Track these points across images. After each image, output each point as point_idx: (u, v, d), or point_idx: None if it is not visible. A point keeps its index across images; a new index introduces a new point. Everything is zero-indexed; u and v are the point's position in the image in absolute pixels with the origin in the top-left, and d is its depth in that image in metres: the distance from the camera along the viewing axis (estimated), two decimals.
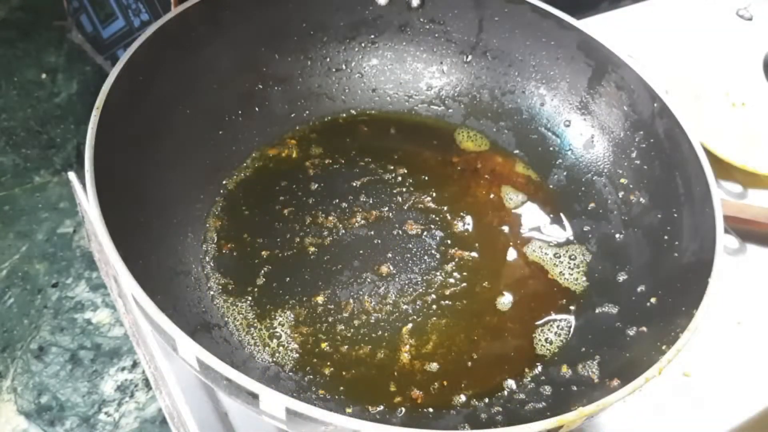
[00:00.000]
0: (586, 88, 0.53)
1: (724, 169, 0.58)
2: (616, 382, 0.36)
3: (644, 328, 0.41)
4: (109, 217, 0.36)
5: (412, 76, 0.58)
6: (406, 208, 0.51)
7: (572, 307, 0.46)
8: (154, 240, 0.43)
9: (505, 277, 0.48)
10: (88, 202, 0.36)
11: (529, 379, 0.42)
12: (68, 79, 0.99)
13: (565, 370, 0.42)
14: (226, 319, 0.43)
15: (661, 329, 0.38)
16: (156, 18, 0.70)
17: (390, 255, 0.48)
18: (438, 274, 0.47)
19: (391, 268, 0.47)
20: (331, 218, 0.49)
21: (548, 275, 0.48)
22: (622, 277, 0.46)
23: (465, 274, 0.47)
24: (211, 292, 0.45)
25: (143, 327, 0.47)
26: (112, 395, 0.72)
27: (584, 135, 0.54)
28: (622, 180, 0.51)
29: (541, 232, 0.51)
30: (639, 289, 0.44)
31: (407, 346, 0.43)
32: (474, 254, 0.48)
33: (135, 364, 0.75)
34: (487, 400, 0.41)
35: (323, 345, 0.43)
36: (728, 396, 0.46)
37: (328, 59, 0.57)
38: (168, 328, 0.33)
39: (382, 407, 0.40)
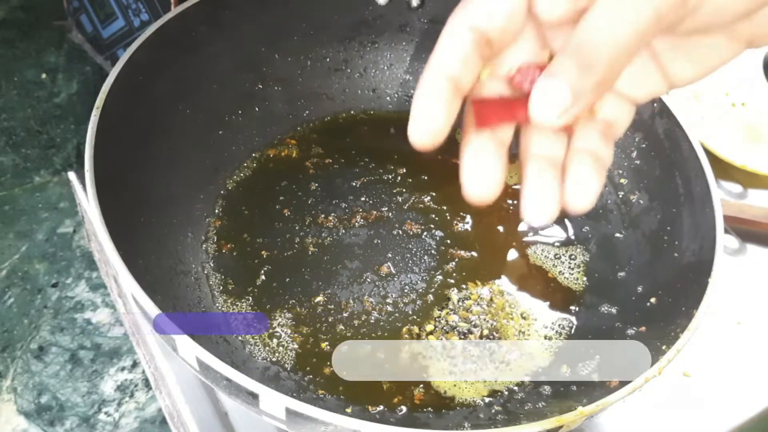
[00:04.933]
0: None
1: (724, 169, 0.58)
2: (616, 382, 0.36)
3: (644, 328, 0.41)
4: (109, 217, 0.36)
5: (412, 76, 0.58)
6: (406, 208, 0.51)
7: (572, 307, 0.46)
8: (154, 240, 0.43)
9: (505, 277, 0.48)
10: (88, 202, 0.36)
11: (529, 379, 0.42)
12: (68, 79, 0.99)
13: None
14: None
15: (661, 329, 0.38)
16: (156, 18, 0.70)
17: (390, 255, 0.48)
18: (438, 274, 0.47)
19: (391, 268, 0.47)
20: (331, 218, 0.49)
21: (548, 275, 0.48)
22: (622, 277, 0.46)
23: (465, 274, 0.47)
24: (211, 292, 0.45)
25: (143, 327, 0.47)
26: (112, 395, 0.72)
27: None
28: (622, 180, 0.51)
29: (541, 232, 0.51)
30: (639, 289, 0.44)
31: (407, 346, 0.43)
32: (474, 254, 0.48)
33: (135, 364, 0.75)
34: (487, 400, 0.41)
35: (323, 345, 0.43)
36: (728, 396, 0.46)
37: (328, 59, 0.57)
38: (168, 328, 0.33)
39: (382, 407, 0.40)
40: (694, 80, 0.26)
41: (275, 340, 0.43)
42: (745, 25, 0.24)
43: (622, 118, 0.27)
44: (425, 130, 0.23)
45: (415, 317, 0.45)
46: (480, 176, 0.25)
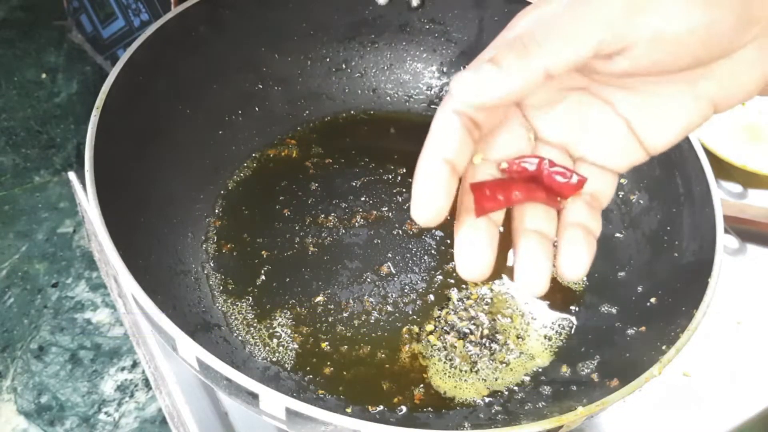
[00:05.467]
0: None
1: (724, 169, 0.58)
2: (616, 382, 0.36)
3: (644, 328, 0.41)
4: (109, 217, 0.36)
5: (412, 76, 0.58)
6: (406, 208, 0.51)
7: (572, 307, 0.46)
8: (154, 240, 0.43)
9: (505, 277, 0.48)
10: (88, 202, 0.36)
11: (529, 379, 0.42)
12: (68, 79, 0.99)
13: (565, 370, 0.42)
14: (226, 318, 0.43)
15: (661, 329, 0.38)
16: (156, 18, 0.70)
17: (390, 255, 0.48)
18: (438, 274, 0.47)
19: (391, 268, 0.47)
20: (331, 218, 0.49)
21: None
22: (622, 277, 0.46)
23: None
24: (211, 292, 0.45)
25: (143, 327, 0.47)
26: (112, 395, 0.72)
27: None
28: (622, 180, 0.51)
29: None
30: (639, 289, 0.44)
31: (407, 346, 0.43)
32: None
33: (135, 364, 0.75)
34: (487, 400, 0.41)
35: (323, 345, 0.43)
36: (728, 396, 0.46)
37: (328, 59, 0.57)
38: (168, 328, 0.33)
39: (382, 407, 0.40)
40: (668, 145, 0.27)
41: (275, 340, 0.43)
42: (708, 83, 0.25)
43: (605, 189, 0.29)
44: (427, 211, 0.24)
45: (415, 317, 0.45)
46: (473, 260, 0.26)
